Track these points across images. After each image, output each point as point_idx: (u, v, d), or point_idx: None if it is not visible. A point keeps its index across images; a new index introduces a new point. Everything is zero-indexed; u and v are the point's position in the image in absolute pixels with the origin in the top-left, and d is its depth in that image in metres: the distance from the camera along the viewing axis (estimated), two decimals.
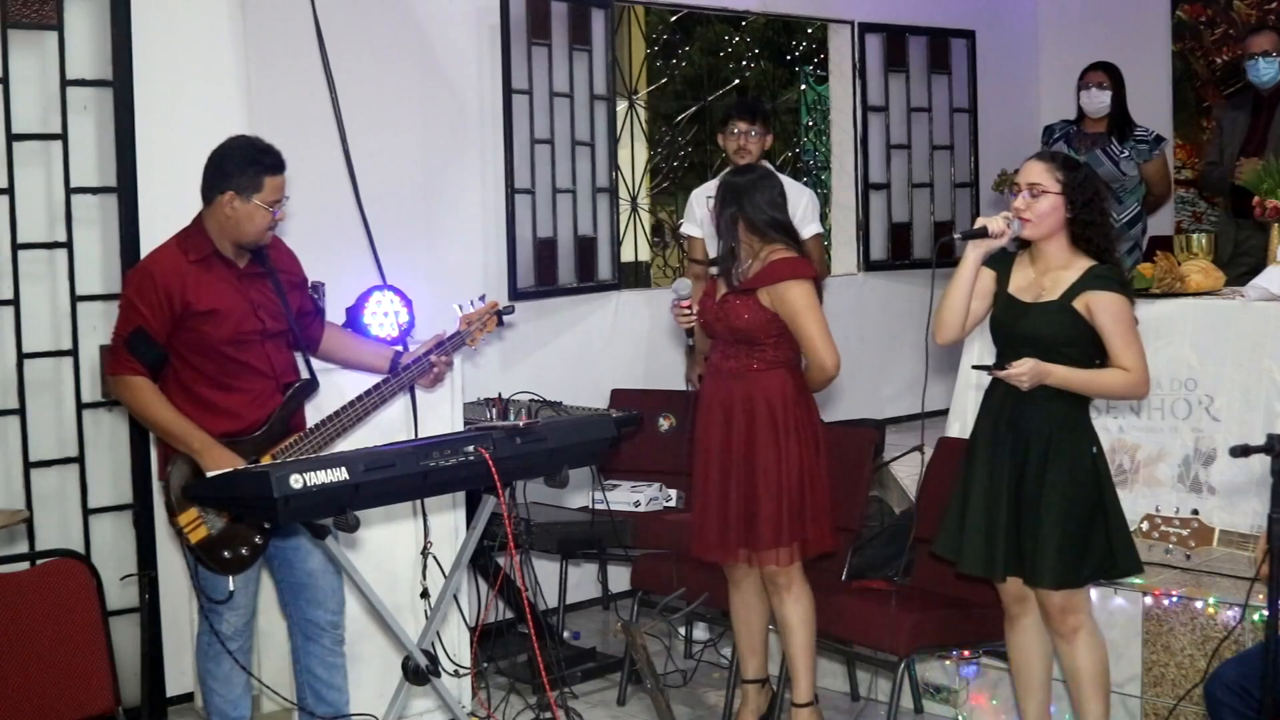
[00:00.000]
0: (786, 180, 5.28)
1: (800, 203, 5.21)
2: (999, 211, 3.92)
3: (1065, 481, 3.77)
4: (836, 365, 4.25)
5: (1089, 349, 3.78)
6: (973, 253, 3.84)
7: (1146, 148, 6.12)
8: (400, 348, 4.22)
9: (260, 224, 3.78)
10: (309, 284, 4.11)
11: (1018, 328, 3.82)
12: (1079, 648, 3.87)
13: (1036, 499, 3.79)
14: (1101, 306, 3.74)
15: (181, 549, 3.92)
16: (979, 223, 3.85)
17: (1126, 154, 6.07)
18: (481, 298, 4.17)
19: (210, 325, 3.75)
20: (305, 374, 3.97)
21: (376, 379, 4.01)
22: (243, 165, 3.75)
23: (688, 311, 4.36)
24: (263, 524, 3.78)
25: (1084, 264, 3.80)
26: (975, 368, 3.86)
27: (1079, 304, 3.75)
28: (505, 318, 4.19)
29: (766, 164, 5.15)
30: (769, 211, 4.25)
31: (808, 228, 5.22)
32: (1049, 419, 3.79)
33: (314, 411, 3.99)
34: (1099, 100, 6.11)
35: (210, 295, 3.75)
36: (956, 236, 3.92)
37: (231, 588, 3.80)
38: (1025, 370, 3.70)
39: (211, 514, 3.73)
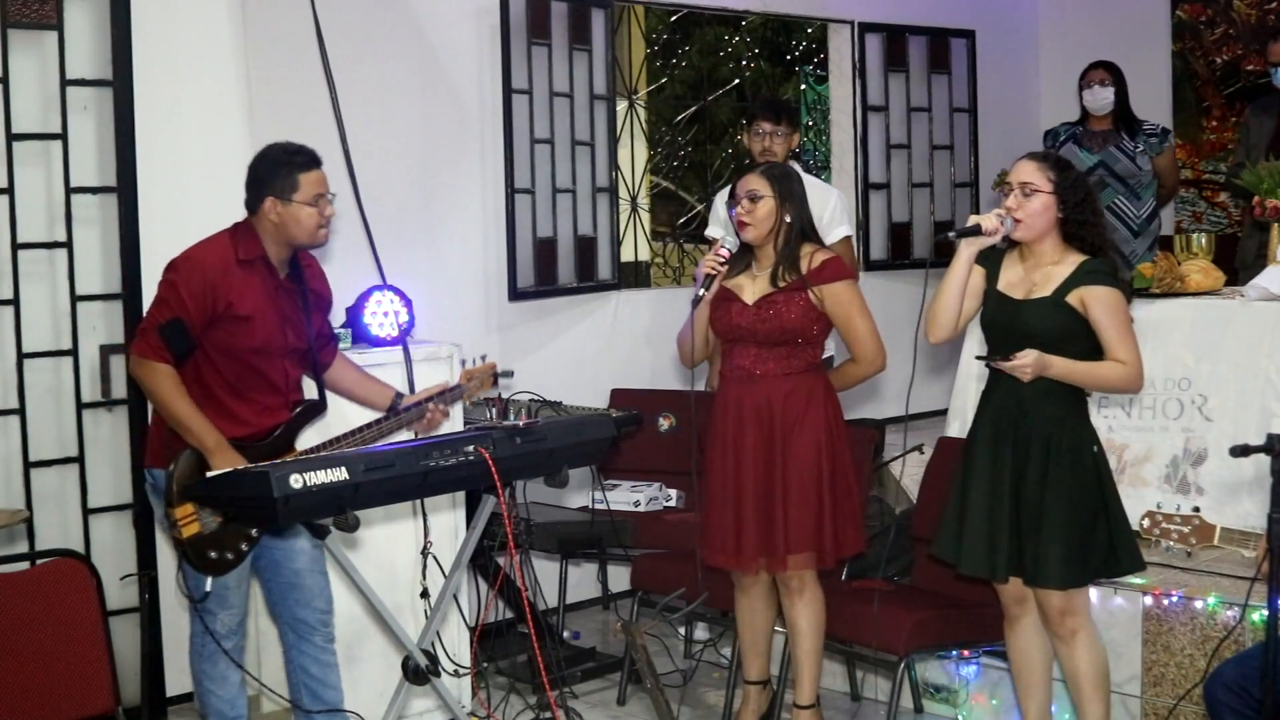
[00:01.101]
0: (814, 181, 5.26)
1: (829, 203, 5.15)
2: (995, 210, 3.92)
3: (1068, 481, 3.76)
4: (885, 362, 4.29)
5: (1085, 344, 3.77)
6: (966, 250, 3.84)
7: (1156, 140, 6.14)
8: (400, 392, 4.21)
9: (308, 223, 3.80)
10: (332, 307, 4.13)
11: (1013, 325, 3.81)
12: (1078, 649, 3.87)
13: (1039, 499, 3.78)
14: (1096, 300, 3.73)
15: (170, 543, 3.92)
16: (972, 220, 3.84)
17: (1140, 148, 6.08)
18: (483, 357, 4.22)
19: (243, 331, 3.77)
20: (314, 395, 3.99)
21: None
22: (275, 168, 3.78)
23: (724, 261, 4.24)
24: (251, 532, 3.79)
25: (1076, 259, 3.79)
26: (979, 358, 3.86)
27: (1073, 299, 3.75)
28: (502, 380, 4.24)
29: (794, 164, 5.11)
30: (807, 213, 4.28)
31: (838, 229, 5.15)
32: (1050, 418, 3.79)
33: (316, 433, 4.02)
34: (1103, 97, 6.11)
35: (250, 301, 3.77)
36: (951, 235, 3.90)
37: (208, 588, 3.81)
38: (1029, 361, 3.69)
39: (207, 513, 3.74)
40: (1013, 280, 3.87)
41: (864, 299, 4.26)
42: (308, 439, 4.01)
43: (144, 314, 3.94)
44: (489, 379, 4.19)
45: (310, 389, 4.04)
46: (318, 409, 4.01)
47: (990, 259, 3.92)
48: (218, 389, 3.80)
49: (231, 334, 3.76)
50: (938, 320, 3.89)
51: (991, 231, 3.80)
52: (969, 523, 3.88)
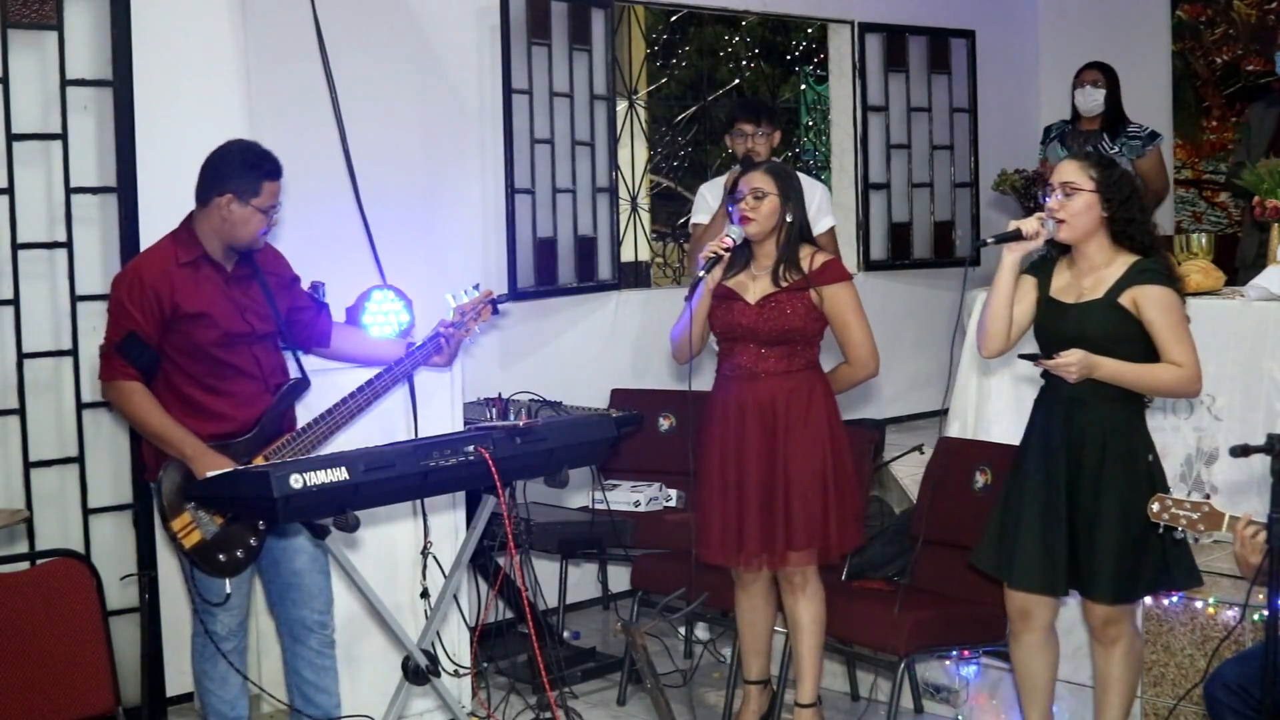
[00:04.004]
0: (799, 175, 5.28)
1: (814, 197, 5.18)
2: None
3: (1121, 490, 3.67)
4: (878, 366, 4.31)
5: (1139, 347, 3.68)
6: (1009, 257, 3.76)
7: (1139, 143, 6.11)
8: (412, 341, 4.19)
9: (255, 228, 3.79)
10: (299, 280, 4.10)
11: (1062, 329, 3.72)
12: (1115, 656, 3.82)
13: (1093, 509, 3.70)
14: (1150, 300, 3.64)
15: (176, 552, 3.92)
16: (1011, 225, 3.76)
17: (1117, 150, 6.06)
18: (475, 287, 4.15)
19: (199, 328, 3.76)
20: (297, 374, 3.98)
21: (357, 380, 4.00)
22: (242, 169, 3.75)
23: (728, 249, 4.18)
24: (258, 526, 3.78)
25: (1127, 260, 3.71)
26: (1022, 356, 3.77)
27: (1125, 300, 3.66)
28: (500, 306, 4.17)
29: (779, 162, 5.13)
30: (805, 213, 4.29)
31: (823, 221, 5.21)
32: (1103, 425, 3.70)
33: (313, 409, 3.99)
34: (1093, 99, 6.12)
35: (199, 298, 3.76)
36: (990, 240, 3.80)
37: (229, 590, 3.80)
38: (1074, 360, 3.58)
39: (205, 518, 3.73)
40: (1063, 285, 3.79)
41: (860, 302, 4.27)
42: (309, 414, 3.97)
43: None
44: (486, 309, 4.11)
45: (310, 370, 4.03)
46: (301, 387, 3.97)
47: (1041, 268, 3.85)
48: (191, 390, 3.79)
49: (190, 333, 3.75)
50: (989, 331, 3.80)
51: (1031, 235, 3.71)
52: (1022, 537, 3.78)
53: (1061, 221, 3.71)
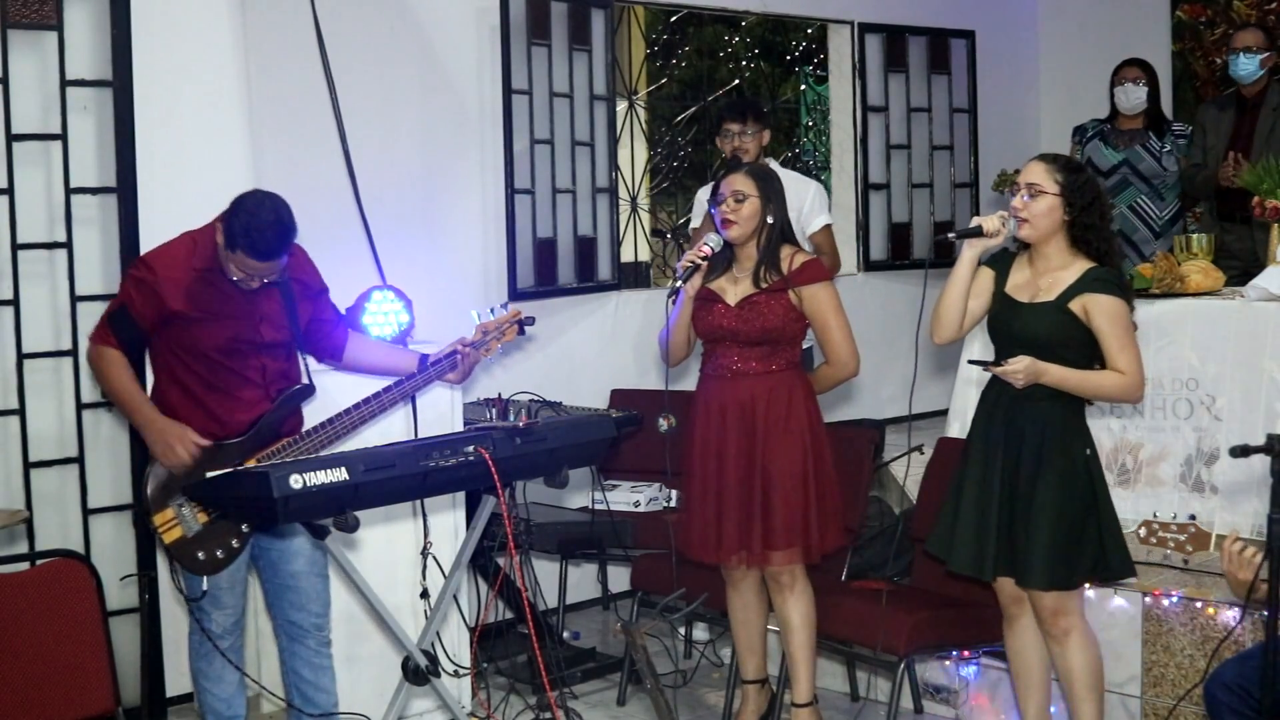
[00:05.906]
0: (792, 174, 5.29)
1: (808, 195, 5.20)
2: (999, 211, 3.92)
3: (1057, 483, 3.76)
4: (858, 366, 4.31)
5: (1086, 351, 3.77)
6: (968, 252, 3.84)
7: (1185, 142, 6.08)
8: (426, 354, 4.16)
9: (231, 272, 3.76)
10: (328, 292, 4.09)
11: (1012, 327, 3.82)
12: (1071, 649, 3.87)
13: (1029, 499, 3.78)
14: (1099, 309, 3.73)
15: (158, 546, 3.93)
16: (974, 222, 3.85)
17: (1168, 149, 6.04)
18: (504, 305, 4.15)
19: (202, 330, 3.77)
20: (304, 380, 3.97)
21: (372, 388, 4.00)
22: (234, 227, 3.67)
23: (705, 257, 4.21)
24: (241, 526, 3.78)
25: (1083, 266, 3.78)
26: (971, 362, 3.88)
27: (1075, 306, 3.74)
28: (527, 328, 4.14)
29: (772, 162, 5.14)
30: (787, 213, 4.30)
31: (818, 219, 5.22)
32: (1043, 420, 3.78)
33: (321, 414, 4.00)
34: (1135, 96, 6.07)
35: (206, 302, 3.76)
36: (951, 235, 3.92)
37: (205, 587, 3.80)
38: (1020, 368, 3.70)
39: (189, 515, 3.73)
40: (1019, 283, 3.87)
41: (840, 302, 4.28)
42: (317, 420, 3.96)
43: None
44: (511, 329, 4.07)
45: (318, 376, 4.03)
46: (304, 393, 3.97)
47: (1002, 262, 3.92)
48: (194, 385, 3.80)
49: (194, 336, 3.76)
50: (941, 320, 3.90)
51: (993, 232, 3.80)
52: (960, 521, 3.90)
53: (1024, 221, 3.78)
